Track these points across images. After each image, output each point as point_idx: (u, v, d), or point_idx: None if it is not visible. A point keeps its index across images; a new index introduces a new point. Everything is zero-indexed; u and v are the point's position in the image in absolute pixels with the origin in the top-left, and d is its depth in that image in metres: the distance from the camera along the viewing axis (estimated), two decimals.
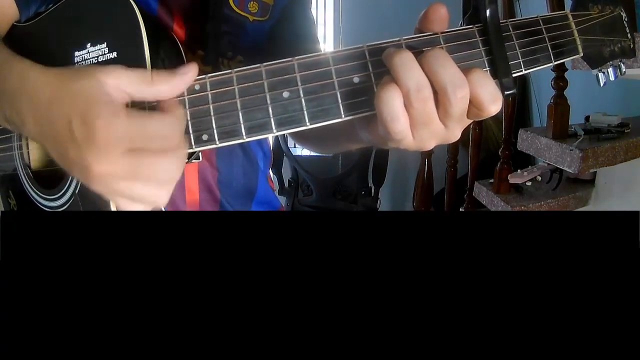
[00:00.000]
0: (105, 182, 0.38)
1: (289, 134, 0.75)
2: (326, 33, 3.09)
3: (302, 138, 0.74)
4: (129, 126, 0.37)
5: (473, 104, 0.39)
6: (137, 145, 0.37)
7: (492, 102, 0.39)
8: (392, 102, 0.38)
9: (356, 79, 0.41)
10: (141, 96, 0.40)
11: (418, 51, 0.40)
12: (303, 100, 0.41)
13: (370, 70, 0.41)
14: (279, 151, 2.67)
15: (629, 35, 0.44)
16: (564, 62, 1.41)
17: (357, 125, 0.46)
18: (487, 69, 0.41)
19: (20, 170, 0.59)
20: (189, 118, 0.41)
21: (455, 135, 0.41)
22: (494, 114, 0.40)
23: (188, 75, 0.40)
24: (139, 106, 0.41)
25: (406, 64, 0.38)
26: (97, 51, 0.48)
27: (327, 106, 0.41)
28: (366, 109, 0.41)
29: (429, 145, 0.41)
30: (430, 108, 0.38)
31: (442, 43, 0.41)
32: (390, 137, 0.40)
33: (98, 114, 0.36)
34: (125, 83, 0.39)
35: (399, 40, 0.41)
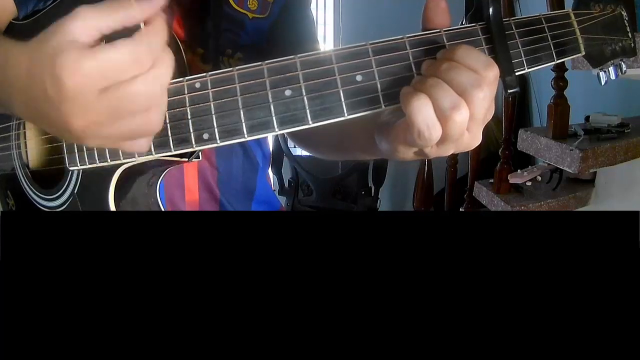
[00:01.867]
0: (92, 132, 0.36)
1: (298, 142, 0.75)
2: (326, 33, 3.09)
3: (308, 142, 0.73)
4: (95, 64, 0.34)
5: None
6: (110, 80, 0.35)
7: (486, 68, 0.38)
8: (424, 107, 0.37)
9: (359, 77, 0.41)
10: (109, 26, 0.36)
11: (420, 61, 0.40)
12: (305, 98, 0.40)
13: (374, 68, 0.41)
14: (279, 151, 2.67)
15: (629, 34, 0.44)
16: (564, 62, 1.41)
17: (377, 136, 0.46)
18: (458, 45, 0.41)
19: (19, 170, 0.59)
20: (189, 117, 0.41)
21: (477, 139, 0.41)
22: (492, 80, 0.39)
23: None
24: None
25: (439, 82, 0.38)
26: None
27: (329, 104, 0.41)
28: (369, 108, 0.41)
29: (449, 152, 0.41)
30: (466, 125, 0.38)
31: (445, 41, 0.41)
32: (421, 144, 0.39)
33: (62, 64, 0.34)
34: (90, 19, 0.35)
35: (402, 39, 0.41)
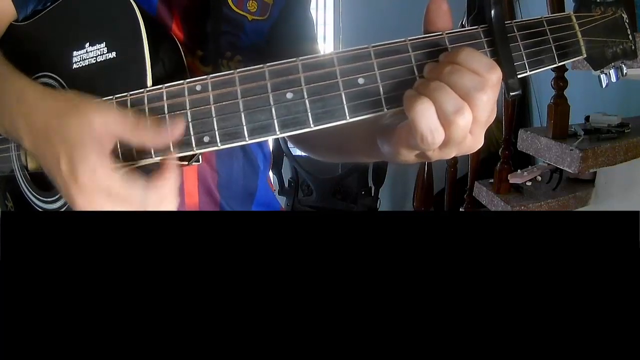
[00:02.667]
0: (89, 206, 0.41)
1: (299, 145, 0.75)
2: (326, 33, 3.09)
3: (311, 147, 0.73)
4: (110, 181, 0.40)
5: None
6: (117, 197, 0.40)
7: (489, 71, 0.38)
8: (427, 111, 0.37)
9: (361, 80, 0.40)
10: (126, 139, 0.41)
11: (422, 64, 0.40)
12: (307, 101, 0.40)
13: (376, 70, 0.40)
14: (279, 151, 2.67)
15: (630, 36, 0.44)
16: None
17: (379, 138, 0.46)
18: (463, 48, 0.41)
19: (18, 172, 0.58)
20: (190, 119, 0.41)
21: (480, 142, 0.41)
22: (495, 83, 0.38)
23: (175, 130, 0.41)
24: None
25: (441, 86, 0.38)
26: (95, 51, 0.48)
27: (331, 107, 0.40)
28: (371, 111, 0.41)
29: (452, 155, 0.41)
30: (468, 129, 0.38)
31: (448, 44, 0.41)
32: (423, 148, 0.39)
33: (83, 159, 0.39)
34: (112, 124, 0.41)
35: (404, 41, 0.41)
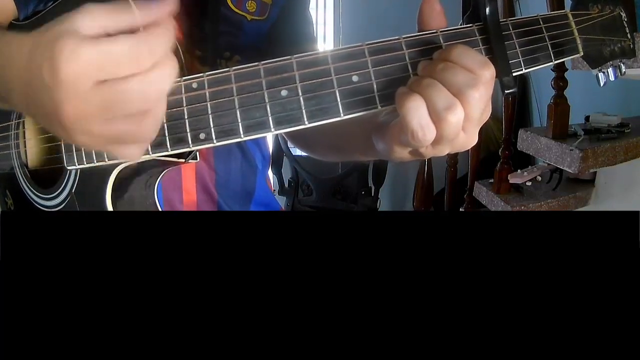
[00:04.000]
0: (82, 127, 0.35)
1: (297, 143, 0.75)
2: (326, 33, 3.09)
3: (308, 145, 0.73)
4: (94, 54, 0.33)
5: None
6: (106, 74, 0.33)
7: (481, 68, 0.38)
8: (418, 110, 0.37)
9: (355, 78, 0.40)
10: (115, 25, 0.34)
11: (416, 62, 0.40)
12: (301, 98, 0.40)
13: (370, 68, 0.41)
14: (279, 151, 2.67)
15: (628, 35, 0.44)
16: (564, 62, 1.41)
17: (374, 136, 0.46)
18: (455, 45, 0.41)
19: (17, 169, 0.59)
20: (186, 116, 0.41)
21: (474, 139, 0.40)
22: (488, 80, 0.38)
23: (166, 3, 0.35)
24: None
25: (433, 83, 0.37)
26: None
27: (325, 105, 0.40)
28: (365, 108, 0.41)
29: (445, 153, 0.41)
30: (460, 126, 0.38)
31: (442, 42, 0.41)
32: (415, 145, 0.39)
33: (61, 48, 0.33)
34: (97, 15, 0.34)
35: (398, 39, 0.41)
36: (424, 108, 0.37)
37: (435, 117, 0.37)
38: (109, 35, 0.34)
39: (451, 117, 0.37)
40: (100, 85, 0.33)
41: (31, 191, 0.57)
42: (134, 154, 0.38)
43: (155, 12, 0.35)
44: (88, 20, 0.34)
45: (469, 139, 0.40)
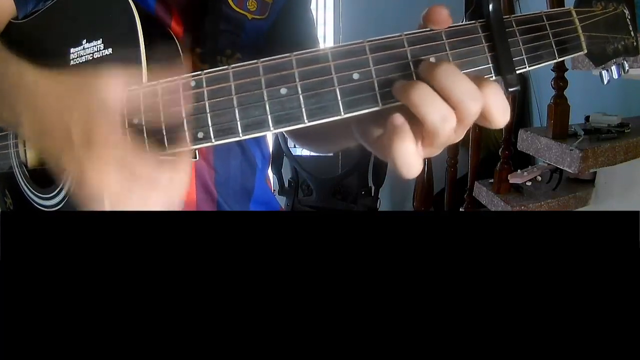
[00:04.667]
0: (97, 190, 0.38)
1: (289, 134, 0.75)
2: (326, 33, 3.09)
3: (301, 137, 0.73)
4: (124, 149, 0.38)
5: (484, 117, 0.38)
6: (128, 169, 0.38)
7: (503, 114, 0.38)
8: (408, 154, 0.37)
9: (356, 76, 0.40)
10: (135, 111, 0.40)
11: (418, 59, 0.39)
12: (301, 97, 0.40)
13: (371, 66, 0.40)
14: (279, 151, 2.67)
15: (632, 32, 0.44)
16: (564, 62, 1.41)
17: (355, 132, 0.45)
18: (490, 65, 0.40)
19: (16, 168, 0.58)
20: (184, 115, 0.41)
21: (460, 137, 0.40)
22: (502, 126, 0.39)
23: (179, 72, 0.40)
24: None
25: (427, 99, 0.36)
26: (92, 47, 0.48)
27: (326, 103, 0.40)
28: (366, 106, 0.40)
29: (435, 154, 0.41)
30: (453, 131, 0.38)
31: (445, 39, 0.40)
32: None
33: (98, 125, 0.37)
34: (119, 85, 0.39)
35: (400, 36, 0.40)
36: (411, 143, 0.37)
37: (432, 130, 0.37)
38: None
39: (446, 126, 0.37)
40: (123, 169, 0.38)
41: (30, 191, 0.57)
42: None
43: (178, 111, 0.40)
44: (118, 99, 0.39)
45: (457, 138, 0.40)
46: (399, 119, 0.38)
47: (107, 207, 0.38)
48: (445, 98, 0.36)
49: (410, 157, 0.37)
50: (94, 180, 0.38)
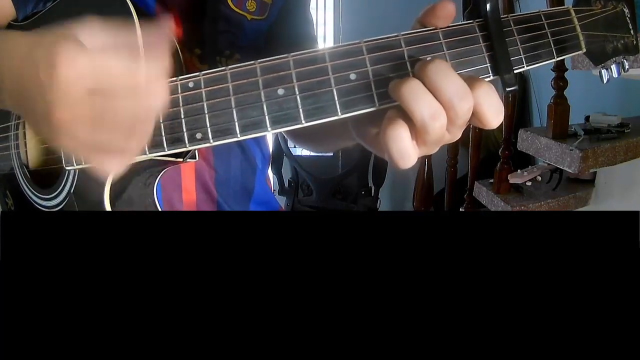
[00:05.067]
0: (69, 130, 0.35)
1: (288, 134, 0.75)
2: (326, 33, 3.09)
3: (300, 137, 0.73)
4: (92, 63, 0.34)
5: (476, 117, 0.37)
6: (100, 85, 0.34)
7: (496, 116, 0.37)
8: (401, 141, 0.37)
9: (353, 76, 0.40)
10: (114, 42, 0.36)
11: (415, 59, 0.39)
12: (298, 97, 0.40)
13: (368, 67, 0.40)
14: (279, 151, 2.67)
15: (632, 31, 0.44)
16: (564, 62, 1.41)
17: (353, 131, 0.45)
18: (488, 65, 0.40)
19: (17, 169, 0.58)
20: (182, 116, 0.41)
21: (456, 137, 0.40)
22: (495, 127, 0.38)
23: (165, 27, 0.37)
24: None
25: (416, 94, 0.36)
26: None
27: (323, 104, 0.40)
28: (363, 107, 0.40)
29: (432, 152, 0.41)
30: (444, 129, 0.37)
31: (442, 39, 0.40)
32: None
33: (60, 52, 0.33)
34: (96, 28, 0.36)
35: (397, 36, 0.40)
36: (405, 139, 0.37)
37: (421, 127, 0.37)
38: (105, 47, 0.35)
39: (436, 124, 0.36)
40: (93, 93, 0.34)
41: (31, 191, 0.57)
42: (113, 167, 0.38)
43: (155, 35, 0.36)
44: (88, 31, 0.35)
45: (453, 138, 0.40)
46: (392, 112, 0.38)
47: (85, 138, 0.36)
48: (435, 95, 0.36)
49: (404, 145, 0.37)
50: (65, 114, 0.35)
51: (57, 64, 0.33)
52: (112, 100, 0.34)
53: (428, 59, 0.40)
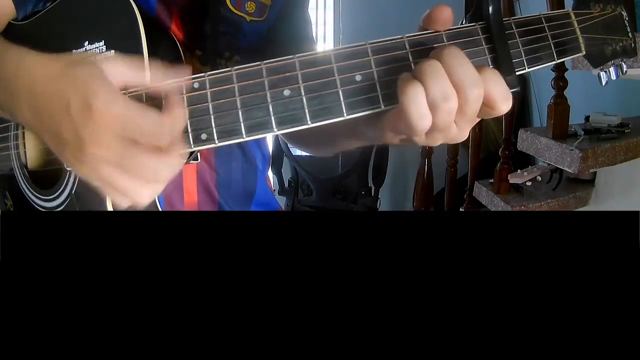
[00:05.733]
0: (94, 164, 0.38)
1: (287, 138, 0.75)
2: (326, 33, 3.09)
3: (300, 140, 0.73)
4: (125, 111, 0.37)
5: (485, 103, 0.39)
6: (130, 134, 0.37)
7: (504, 101, 0.39)
8: (418, 98, 0.37)
9: (358, 77, 0.40)
10: (135, 82, 0.41)
11: (428, 47, 0.40)
12: (304, 98, 0.40)
13: (373, 68, 0.40)
14: (279, 151, 2.67)
15: (630, 34, 0.44)
16: (564, 62, 1.41)
17: (363, 123, 0.45)
18: (491, 67, 0.41)
19: (17, 170, 0.58)
20: (187, 116, 0.41)
21: (464, 135, 0.41)
22: (504, 113, 0.39)
23: (182, 71, 0.41)
24: (137, 98, 0.42)
25: (436, 72, 0.37)
26: (94, 49, 0.48)
27: (328, 104, 0.40)
28: (368, 108, 0.41)
29: (437, 143, 0.42)
30: (452, 115, 0.38)
31: (445, 41, 0.41)
32: (412, 133, 0.40)
33: (97, 94, 0.37)
34: (120, 68, 0.40)
35: (401, 38, 0.41)
36: (423, 97, 0.37)
37: (431, 105, 0.37)
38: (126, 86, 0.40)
39: (445, 105, 0.37)
40: (123, 139, 0.37)
41: (31, 192, 0.57)
42: (121, 204, 0.41)
43: (170, 77, 0.41)
44: (112, 70, 0.39)
45: (460, 133, 0.41)
46: (406, 74, 0.39)
47: (107, 177, 0.38)
48: (450, 78, 0.37)
49: (420, 102, 0.37)
50: (94, 152, 0.37)
51: (93, 107, 0.37)
52: (138, 152, 0.37)
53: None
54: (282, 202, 2.61)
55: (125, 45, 0.47)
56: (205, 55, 0.60)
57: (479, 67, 0.38)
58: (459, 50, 0.38)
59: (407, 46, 0.41)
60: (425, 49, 0.41)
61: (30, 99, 0.40)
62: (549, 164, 1.56)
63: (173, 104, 0.39)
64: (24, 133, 0.58)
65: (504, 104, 0.39)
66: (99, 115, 0.37)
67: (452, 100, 0.37)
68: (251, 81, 0.41)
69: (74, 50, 0.49)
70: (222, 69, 0.41)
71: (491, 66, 0.41)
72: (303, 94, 0.40)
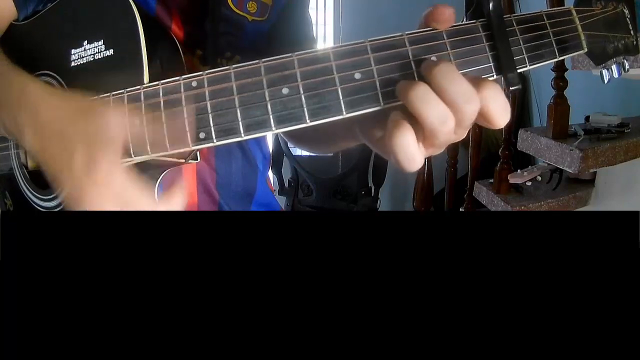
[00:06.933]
0: (91, 205, 0.40)
1: (286, 136, 0.75)
2: (326, 33, 3.09)
3: (299, 138, 0.73)
4: (125, 184, 0.40)
5: (483, 117, 0.38)
6: (126, 203, 0.40)
7: (502, 116, 0.38)
8: (408, 146, 0.37)
9: (358, 75, 0.40)
10: (142, 136, 0.42)
11: (420, 59, 0.40)
12: (303, 96, 0.40)
13: (373, 66, 0.40)
14: (279, 151, 2.67)
15: (632, 31, 0.44)
16: (564, 62, 1.41)
17: (359, 132, 0.45)
18: (492, 64, 0.41)
19: (17, 170, 0.58)
20: (185, 116, 0.41)
21: (461, 137, 0.41)
22: (502, 127, 0.39)
23: (191, 122, 0.42)
24: (136, 98, 0.42)
25: (426, 100, 0.37)
26: (93, 49, 0.48)
27: (327, 103, 0.40)
28: (367, 106, 0.40)
29: (436, 153, 0.41)
30: (452, 132, 0.38)
31: (446, 38, 0.40)
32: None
33: (103, 157, 0.39)
34: (121, 115, 0.41)
35: (401, 36, 0.40)
36: (413, 142, 0.37)
37: (429, 132, 0.37)
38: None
39: (444, 128, 0.37)
40: (118, 202, 0.40)
41: (30, 192, 0.57)
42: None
43: (180, 130, 0.41)
44: (122, 128, 0.41)
45: (458, 137, 0.40)
46: (397, 114, 0.38)
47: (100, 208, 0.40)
48: (442, 98, 0.37)
49: (411, 151, 0.37)
50: (90, 207, 0.40)
51: (97, 168, 0.39)
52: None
53: (432, 58, 0.40)
54: (282, 202, 2.61)
55: (124, 44, 0.47)
56: (205, 55, 0.60)
57: (476, 80, 0.37)
58: (448, 66, 0.37)
59: (407, 43, 0.40)
60: (425, 47, 0.40)
61: (34, 132, 0.42)
62: (549, 164, 1.57)
63: (172, 194, 0.42)
64: None
65: (501, 118, 0.38)
66: (100, 179, 0.39)
67: (449, 122, 0.37)
68: (249, 79, 0.40)
69: (72, 50, 0.49)
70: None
71: (492, 64, 0.40)
72: (302, 92, 0.40)
